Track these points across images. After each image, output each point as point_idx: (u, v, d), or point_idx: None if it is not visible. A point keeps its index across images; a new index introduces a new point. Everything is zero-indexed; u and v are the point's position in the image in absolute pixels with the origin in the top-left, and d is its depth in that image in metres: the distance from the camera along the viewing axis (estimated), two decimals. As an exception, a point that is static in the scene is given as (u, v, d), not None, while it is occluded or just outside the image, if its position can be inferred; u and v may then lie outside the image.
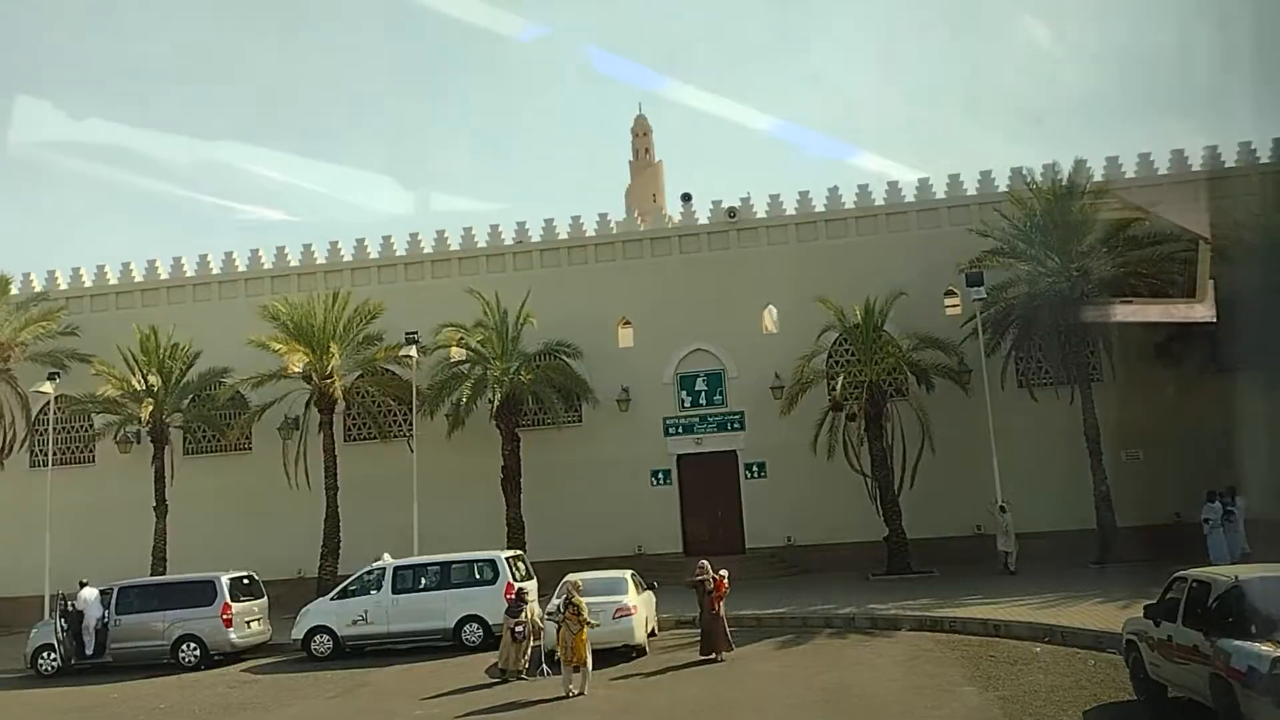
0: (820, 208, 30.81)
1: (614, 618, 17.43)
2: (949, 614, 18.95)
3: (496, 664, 16.99)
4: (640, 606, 18.37)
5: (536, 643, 16.99)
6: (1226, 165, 29.03)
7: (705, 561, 18.16)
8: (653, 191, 66.01)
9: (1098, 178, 28.72)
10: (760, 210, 31.15)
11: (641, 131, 67.86)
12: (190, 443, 32.29)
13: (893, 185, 30.71)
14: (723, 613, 17.46)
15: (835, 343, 29.43)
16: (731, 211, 31.04)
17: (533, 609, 17.04)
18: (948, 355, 27.45)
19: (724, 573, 17.93)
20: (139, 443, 30.95)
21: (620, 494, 30.08)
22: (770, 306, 31.04)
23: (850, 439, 27.12)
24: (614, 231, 32.12)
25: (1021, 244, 26.88)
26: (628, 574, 19.22)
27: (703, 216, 31.52)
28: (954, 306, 29.54)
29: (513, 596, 17.75)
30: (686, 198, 31.66)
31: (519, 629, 16.33)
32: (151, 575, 27.73)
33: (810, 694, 13.75)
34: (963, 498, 27.37)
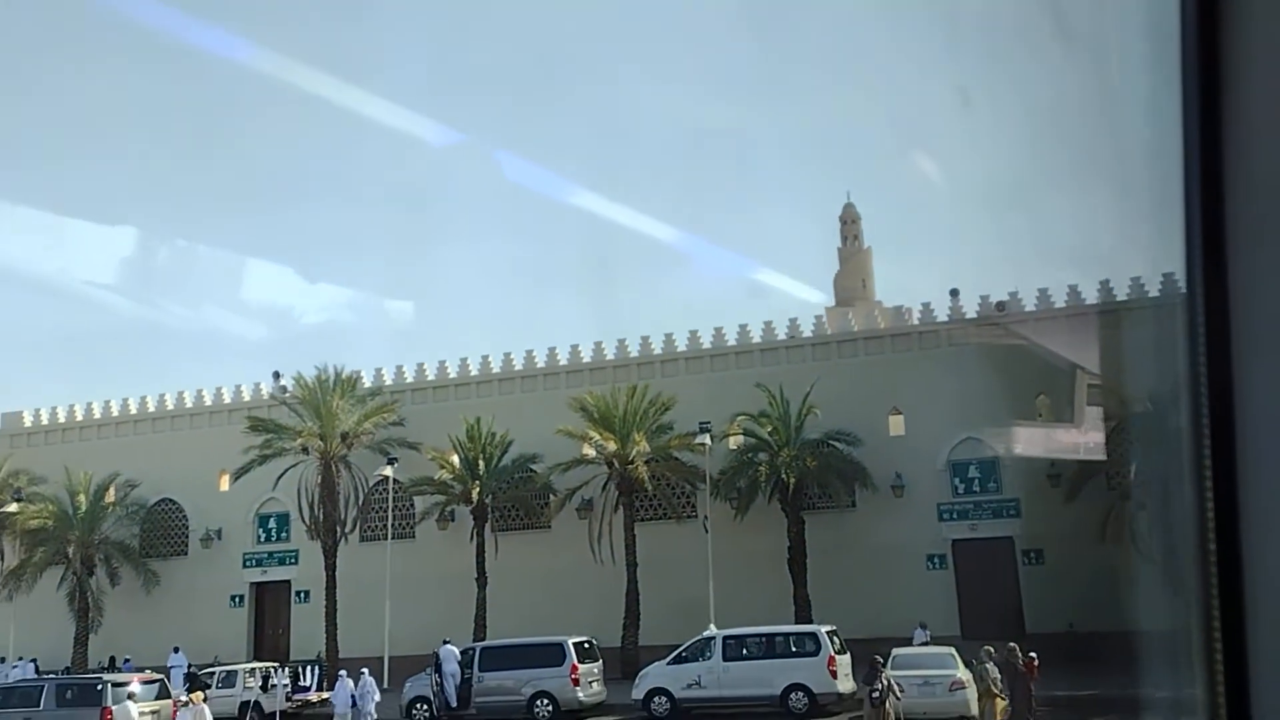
0: (1092, 299, 31.77)
1: (949, 690, 18.95)
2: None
3: None
4: (969, 681, 19.77)
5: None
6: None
7: (989, 647, 19.35)
8: (862, 278, 67.24)
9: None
10: (1029, 304, 32.40)
11: (850, 219, 68.65)
12: (497, 520, 35.87)
13: (1168, 276, 31.29)
14: (1033, 694, 18.55)
15: (1114, 430, 30.00)
16: (1000, 305, 32.44)
17: (887, 676, 18.75)
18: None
19: (1033, 655, 19.21)
20: (455, 521, 34.76)
21: (897, 577, 31.26)
22: (1042, 395, 31.96)
23: (1139, 526, 27.57)
24: (881, 326, 34.08)
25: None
26: (952, 650, 20.68)
27: (969, 309, 33.04)
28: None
29: (860, 666, 19.58)
30: (954, 293, 33.30)
31: (875, 694, 18.08)
32: (474, 640, 30.97)
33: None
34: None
